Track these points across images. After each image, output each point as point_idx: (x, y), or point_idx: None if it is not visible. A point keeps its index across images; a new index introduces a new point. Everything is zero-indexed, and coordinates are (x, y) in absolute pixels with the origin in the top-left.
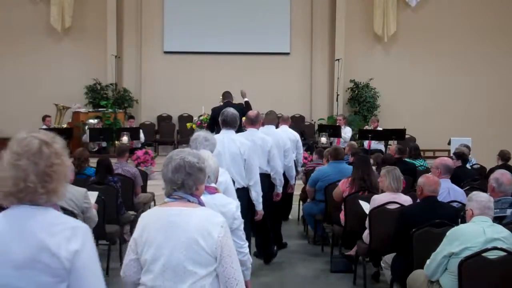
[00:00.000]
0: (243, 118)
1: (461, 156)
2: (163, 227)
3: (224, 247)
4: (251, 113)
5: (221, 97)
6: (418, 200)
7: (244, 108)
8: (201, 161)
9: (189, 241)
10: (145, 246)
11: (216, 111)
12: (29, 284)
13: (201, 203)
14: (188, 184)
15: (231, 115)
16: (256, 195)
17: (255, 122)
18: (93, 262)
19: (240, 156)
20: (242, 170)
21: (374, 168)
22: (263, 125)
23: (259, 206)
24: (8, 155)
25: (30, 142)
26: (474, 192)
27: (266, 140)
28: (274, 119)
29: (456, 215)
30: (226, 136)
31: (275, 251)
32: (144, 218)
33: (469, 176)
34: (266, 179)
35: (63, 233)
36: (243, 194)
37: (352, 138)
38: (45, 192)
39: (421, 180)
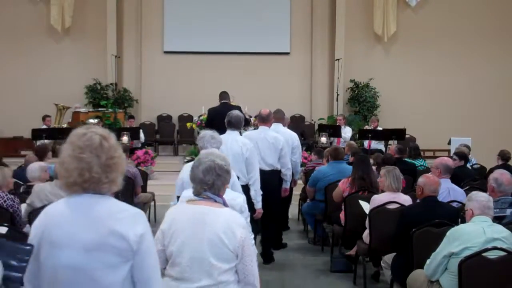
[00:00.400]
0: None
1: (463, 156)
2: (192, 223)
3: (245, 247)
4: (264, 111)
5: (218, 98)
6: (418, 200)
7: (241, 111)
8: (228, 164)
9: (214, 238)
10: (172, 237)
11: (212, 112)
12: (98, 264)
13: (225, 204)
14: (217, 185)
15: (235, 116)
16: (255, 193)
17: (266, 120)
18: (153, 244)
19: (242, 156)
20: (243, 169)
21: (374, 168)
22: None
23: (258, 205)
24: (69, 149)
25: (91, 137)
26: (474, 192)
27: (278, 139)
28: (282, 118)
29: (456, 215)
30: (230, 137)
31: (273, 255)
32: (173, 213)
33: (470, 176)
34: (276, 175)
35: (128, 219)
36: (244, 190)
37: (352, 138)
38: (108, 181)
39: (421, 180)
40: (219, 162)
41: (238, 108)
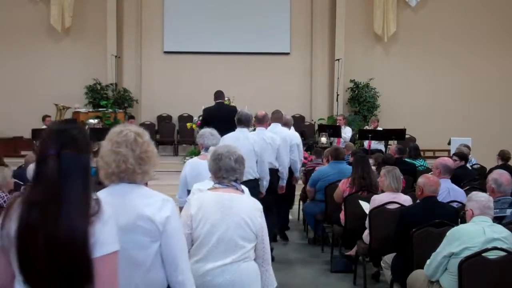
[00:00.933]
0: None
1: (463, 156)
2: (219, 208)
3: (263, 228)
4: (259, 113)
5: (214, 98)
6: (418, 200)
7: (236, 111)
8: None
9: (240, 221)
10: (200, 221)
11: (208, 111)
12: (131, 244)
13: (243, 191)
14: (242, 173)
15: (245, 115)
16: (266, 183)
17: (262, 122)
18: (178, 226)
19: (254, 152)
20: (254, 164)
21: (374, 168)
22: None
23: (263, 190)
24: (109, 144)
25: (127, 134)
26: (474, 192)
27: (274, 139)
28: (280, 118)
29: (456, 215)
30: (241, 134)
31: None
32: (200, 199)
33: (470, 176)
34: (274, 173)
35: (156, 204)
36: (255, 184)
37: (352, 138)
38: (141, 172)
39: (421, 180)
40: (240, 154)
41: (234, 108)
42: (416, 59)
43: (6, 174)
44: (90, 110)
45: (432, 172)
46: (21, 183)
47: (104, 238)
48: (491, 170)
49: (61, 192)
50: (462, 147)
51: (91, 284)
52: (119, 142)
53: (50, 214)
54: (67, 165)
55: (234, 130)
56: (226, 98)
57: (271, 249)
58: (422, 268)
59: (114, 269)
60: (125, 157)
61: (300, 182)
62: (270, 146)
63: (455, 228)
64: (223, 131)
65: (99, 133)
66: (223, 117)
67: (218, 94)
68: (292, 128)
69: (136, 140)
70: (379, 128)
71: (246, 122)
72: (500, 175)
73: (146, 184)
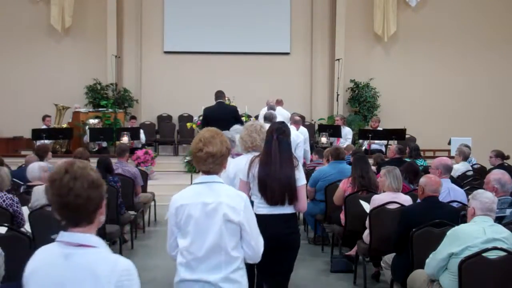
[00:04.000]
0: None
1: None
2: None
3: None
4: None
5: (214, 98)
6: (419, 200)
7: (236, 111)
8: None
9: None
10: None
11: (208, 111)
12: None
13: None
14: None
15: (268, 113)
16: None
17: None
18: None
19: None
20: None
21: (374, 168)
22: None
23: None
24: (246, 131)
25: (256, 124)
26: (480, 191)
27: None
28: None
29: (457, 216)
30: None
31: None
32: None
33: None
34: None
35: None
36: None
37: (353, 138)
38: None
39: (422, 180)
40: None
41: (234, 108)
42: (416, 59)
43: (4, 173)
44: (90, 110)
45: (431, 173)
46: (21, 182)
47: (300, 178)
48: (489, 170)
49: (280, 157)
50: (462, 147)
51: (296, 199)
52: (252, 130)
53: (276, 168)
54: (281, 144)
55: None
56: (226, 98)
57: None
58: (422, 268)
59: (304, 192)
60: (255, 138)
61: None
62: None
63: (456, 228)
64: (222, 130)
65: (99, 133)
66: (223, 116)
67: (219, 94)
68: (301, 126)
69: (261, 128)
70: (379, 128)
71: (270, 118)
72: (502, 174)
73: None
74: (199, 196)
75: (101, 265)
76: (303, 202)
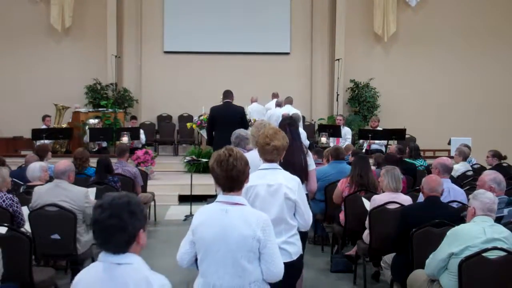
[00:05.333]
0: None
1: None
2: None
3: None
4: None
5: (222, 97)
6: (419, 200)
7: (243, 113)
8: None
9: None
10: None
11: (214, 110)
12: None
13: None
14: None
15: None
16: None
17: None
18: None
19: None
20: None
21: (374, 168)
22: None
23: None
24: (256, 128)
25: (264, 123)
26: (481, 191)
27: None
28: (291, 101)
29: (458, 216)
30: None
31: None
32: None
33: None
34: None
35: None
36: None
37: (353, 138)
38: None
39: (423, 179)
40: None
41: (242, 109)
42: (416, 59)
43: (4, 174)
44: (90, 110)
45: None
46: (21, 183)
47: (310, 163)
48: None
49: (293, 145)
50: (462, 147)
51: (307, 180)
52: (261, 128)
53: (290, 155)
54: (293, 135)
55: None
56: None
57: None
58: (422, 268)
59: (314, 175)
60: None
61: None
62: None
63: (456, 228)
64: (228, 130)
65: (99, 133)
66: (229, 117)
67: (226, 94)
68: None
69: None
70: (379, 128)
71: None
72: (495, 173)
73: None
74: (264, 179)
75: (251, 216)
76: (313, 183)
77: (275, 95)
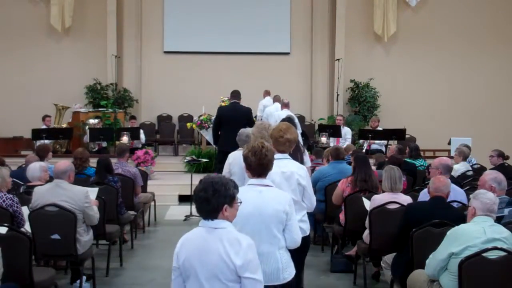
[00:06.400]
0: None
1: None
2: None
3: None
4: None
5: (221, 97)
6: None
7: (249, 113)
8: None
9: None
10: None
11: (221, 110)
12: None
13: None
14: None
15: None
16: None
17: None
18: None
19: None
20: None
21: (374, 168)
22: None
23: None
24: (257, 129)
25: (264, 123)
26: (482, 191)
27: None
28: (279, 99)
29: (461, 218)
30: None
31: None
32: None
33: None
34: None
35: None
36: None
37: (353, 138)
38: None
39: (431, 179)
40: None
41: (248, 110)
42: (416, 59)
43: (4, 174)
44: (90, 110)
45: (431, 173)
46: (21, 183)
47: (306, 160)
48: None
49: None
50: (462, 147)
51: None
52: (262, 128)
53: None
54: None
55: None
56: (226, 98)
57: None
58: (422, 268)
59: (309, 172)
60: (264, 134)
61: None
62: None
63: (456, 228)
64: (234, 130)
65: (99, 133)
66: (236, 117)
67: (234, 94)
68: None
69: (268, 127)
70: (379, 128)
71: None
72: (496, 173)
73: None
74: (277, 167)
75: (280, 195)
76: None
77: (267, 92)
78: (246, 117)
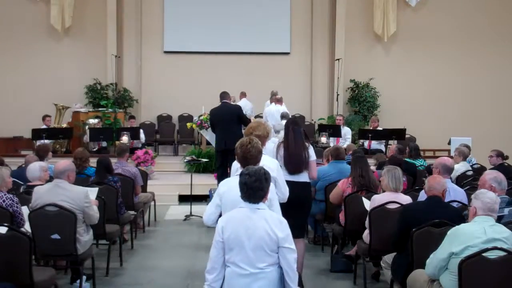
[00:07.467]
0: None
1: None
2: None
3: None
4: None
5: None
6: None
7: (239, 110)
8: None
9: None
10: None
11: (213, 112)
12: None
13: None
14: None
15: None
16: None
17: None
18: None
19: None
20: None
21: (374, 168)
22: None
23: None
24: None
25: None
26: (483, 191)
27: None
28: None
29: (459, 216)
30: None
31: None
32: None
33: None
34: None
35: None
36: None
37: (353, 138)
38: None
39: (426, 179)
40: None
41: (237, 107)
42: (416, 59)
43: (4, 173)
44: (90, 110)
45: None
46: (21, 182)
47: (311, 154)
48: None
49: (295, 142)
50: (462, 147)
51: (307, 169)
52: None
53: (293, 149)
54: (295, 132)
55: (236, 129)
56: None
57: None
58: (422, 268)
59: (315, 165)
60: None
61: None
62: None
63: (456, 227)
64: (226, 130)
65: (99, 133)
66: (226, 116)
67: (222, 95)
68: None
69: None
70: (379, 128)
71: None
72: (496, 173)
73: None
74: None
75: (269, 164)
76: (314, 171)
77: (243, 94)
78: (236, 115)
